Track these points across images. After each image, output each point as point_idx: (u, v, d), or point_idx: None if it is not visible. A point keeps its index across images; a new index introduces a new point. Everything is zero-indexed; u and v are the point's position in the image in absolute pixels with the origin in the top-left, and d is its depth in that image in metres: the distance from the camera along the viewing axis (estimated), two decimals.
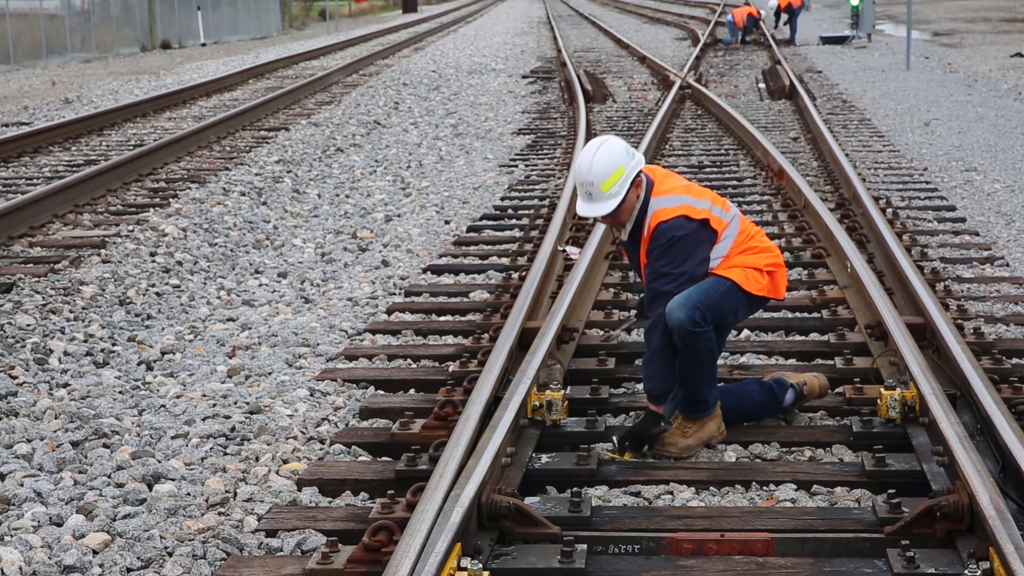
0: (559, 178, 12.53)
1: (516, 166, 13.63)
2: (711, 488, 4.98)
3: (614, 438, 5.32)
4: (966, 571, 3.92)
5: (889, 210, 10.22)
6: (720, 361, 6.35)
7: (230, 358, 6.88)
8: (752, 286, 5.28)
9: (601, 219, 5.30)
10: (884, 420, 5.39)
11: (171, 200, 11.26)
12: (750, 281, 5.27)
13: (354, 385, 6.36)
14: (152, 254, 9.23)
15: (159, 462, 5.27)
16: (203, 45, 41.75)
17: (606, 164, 5.09)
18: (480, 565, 4.04)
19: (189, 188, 11.92)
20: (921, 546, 4.24)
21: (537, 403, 5.47)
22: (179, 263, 9.09)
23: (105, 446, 5.47)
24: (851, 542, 4.34)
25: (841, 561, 4.27)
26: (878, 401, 5.42)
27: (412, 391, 6.27)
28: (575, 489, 4.75)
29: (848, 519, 4.56)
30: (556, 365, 6.11)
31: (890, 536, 4.30)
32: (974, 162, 13.24)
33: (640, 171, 5.19)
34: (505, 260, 9.04)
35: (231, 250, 9.69)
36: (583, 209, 5.19)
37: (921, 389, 5.30)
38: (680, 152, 14.48)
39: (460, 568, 3.99)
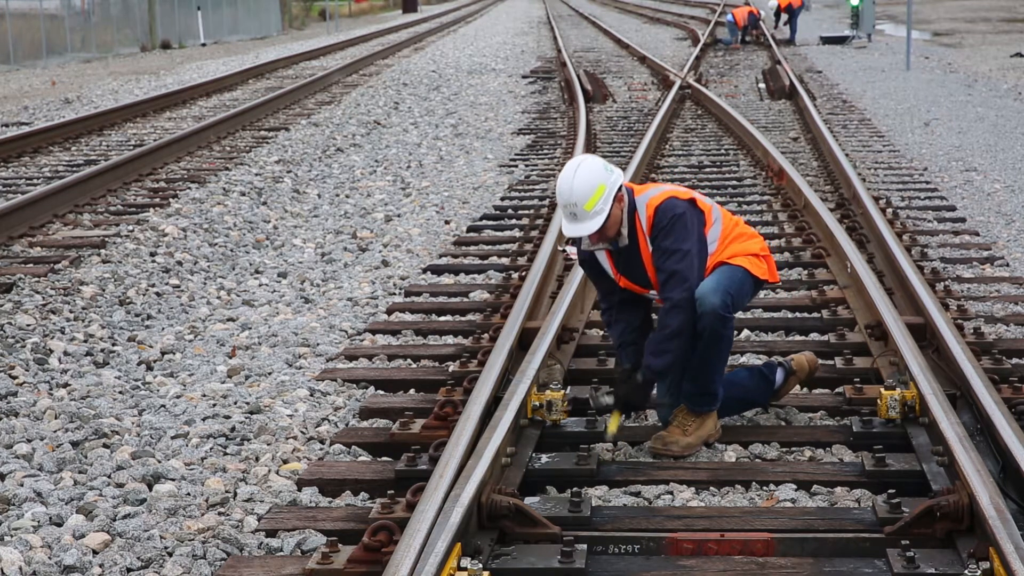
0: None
1: (516, 166, 13.64)
2: (711, 488, 4.98)
3: (602, 399, 5.37)
4: (966, 571, 3.92)
5: (889, 210, 10.22)
6: None
7: (230, 358, 6.88)
8: (759, 271, 5.38)
9: (590, 239, 5.28)
10: (884, 420, 5.39)
11: (171, 200, 11.26)
12: (755, 267, 5.36)
13: (354, 385, 6.36)
14: (152, 254, 9.23)
15: (159, 462, 5.27)
16: (203, 45, 41.75)
17: (586, 183, 5.09)
18: (480, 565, 4.04)
19: (189, 188, 11.92)
20: (921, 546, 4.24)
21: (537, 403, 5.47)
22: (179, 263, 9.09)
23: (105, 446, 5.47)
24: (851, 542, 4.34)
25: (841, 561, 4.27)
26: (878, 401, 5.42)
27: (412, 391, 6.27)
28: (575, 489, 4.75)
29: (848, 519, 4.55)
30: (556, 365, 6.11)
31: (890, 536, 4.30)
32: (974, 162, 13.24)
33: (621, 185, 5.20)
34: (505, 260, 9.04)
35: (231, 250, 9.69)
36: (570, 230, 5.18)
37: (921, 389, 5.30)
38: (680, 152, 14.48)
39: (460, 568, 3.99)
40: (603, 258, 5.40)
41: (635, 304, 5.45)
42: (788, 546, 4.35)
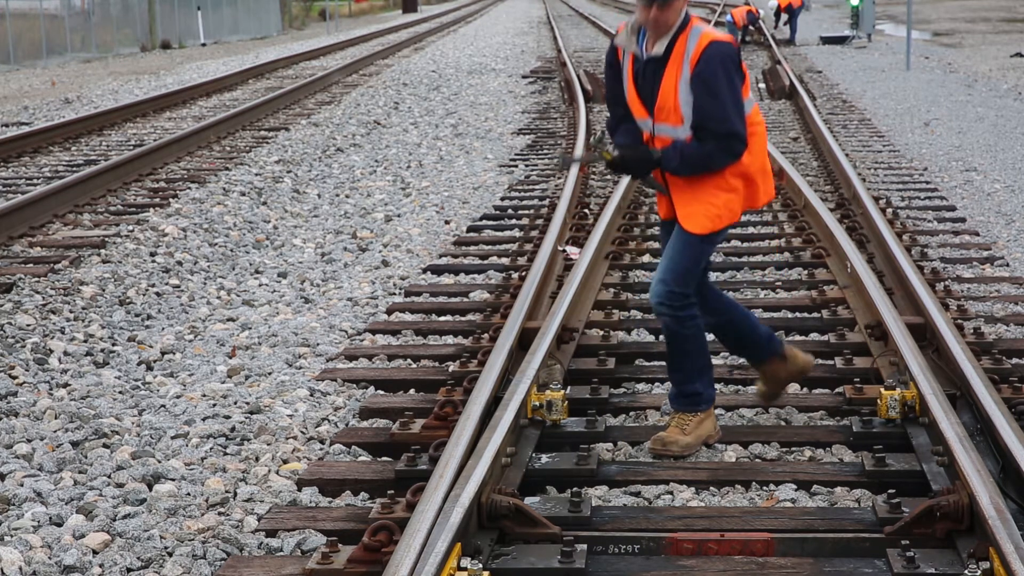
0: (559, 178, 12.53)
1: (516, 166, 13.63)
2: (711, 488, 4.98)
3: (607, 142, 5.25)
4: (966, 571, 3.92)
5: (889, 210, 10.22)
6: (720, 361, 6.37)
7: (230, 358, 6.88)
8: (725, 220, 5.19)
9: (651, 15, 5.03)
10: (884, 420, 5.39)
11: (171, 200, 11.26)
12: (720, 219, 5.17)
13: (354, 385, 6.36)
14: (152, 254, 9.23)
15: (159, 462, 5.27)
16: (203, 45, 41.76)
17: None
18: (480, 565, 4.04)
19: (189, 188, 11.92)
20: (921, 546, 4.23)
21: (537, 403, 5.47)
22: (179, 263, 9.09)
23: (105, 446, 5.47)
24: (851, 542, 4.34)
25: (841, 561, 4.27)
26: (878, 401, 5.42)
27: (412, 391, 6.27)
28: (575, 489, 4.75)
29: (848, 519, 4.55)
30: (556, 365, 6.11)
31: (890, 536, 4.30)
32: (974, 162, 13.24)
33: None
34: (505, 260, 9.04)
35: (231, 250, 9.69)
36: None
37: (921, 389, 5.29)
38: None
39: (460, 568, 3.99)
40: (626, 66, 5.28)
41: (637, 130, 5.30)
42: (788, 546, 4.35)
